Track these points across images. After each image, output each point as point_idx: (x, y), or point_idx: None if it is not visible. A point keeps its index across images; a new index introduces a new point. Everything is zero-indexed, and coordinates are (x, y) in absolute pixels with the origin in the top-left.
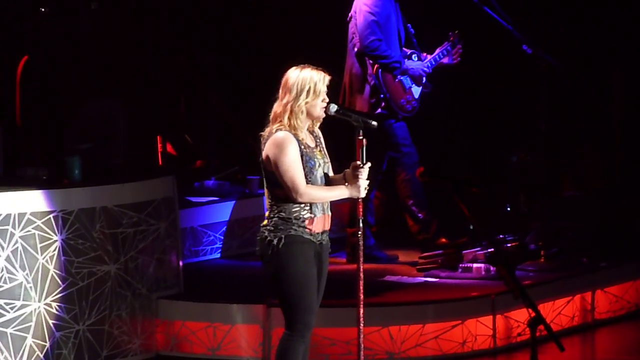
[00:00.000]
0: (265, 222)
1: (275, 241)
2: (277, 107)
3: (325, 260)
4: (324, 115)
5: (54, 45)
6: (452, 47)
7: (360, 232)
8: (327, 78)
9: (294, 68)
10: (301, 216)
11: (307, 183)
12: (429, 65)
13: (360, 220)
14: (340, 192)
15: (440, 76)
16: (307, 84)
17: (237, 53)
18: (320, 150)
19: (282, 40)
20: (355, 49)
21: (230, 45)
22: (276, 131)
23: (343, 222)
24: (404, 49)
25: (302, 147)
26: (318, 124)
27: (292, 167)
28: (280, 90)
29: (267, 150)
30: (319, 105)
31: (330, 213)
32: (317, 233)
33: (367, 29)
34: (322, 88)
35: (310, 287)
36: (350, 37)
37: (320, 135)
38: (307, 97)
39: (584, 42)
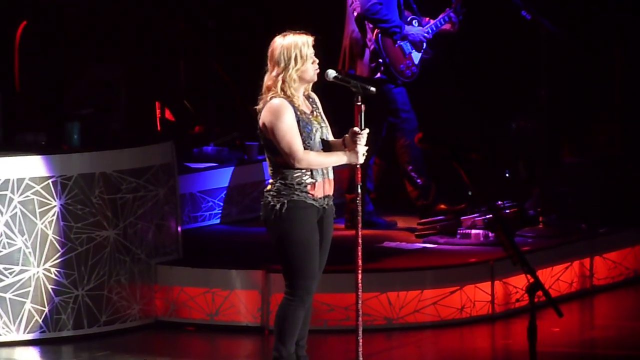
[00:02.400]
0: (269, 187)
1: (278, 206)
2: (267, 80)
3: (329, 226)
4: (316, 78)
5: (53, 10)
6: (455, 13)
7: (359, 198)
8: (311, 39)
9: (276, 38)
10: (303, 181)
11: (305, 149)
12: (430, 31)
13: (359, 187)
14: (339, 158)
15: (440, 42)
16: (292, 52)
17: (237, 18)
18: (317, 116)
19: (282, 4)
20: (355, 14)
21: (230, 10)
22: (271, 99)
23: (342, 188)
24: (405, 14)
25: (298, 113)
26: (310, 86)
27: (289, 133)
28: (268, 63)
29: (263, 118)
30: (311, 69)
31: (332, 177)
32: (320, 198)
33: None
34: (309, 51)
35: (313, 252)
36: (350, 2)
37: (317, 100)
38: (295, 64)
39: (584, 7)
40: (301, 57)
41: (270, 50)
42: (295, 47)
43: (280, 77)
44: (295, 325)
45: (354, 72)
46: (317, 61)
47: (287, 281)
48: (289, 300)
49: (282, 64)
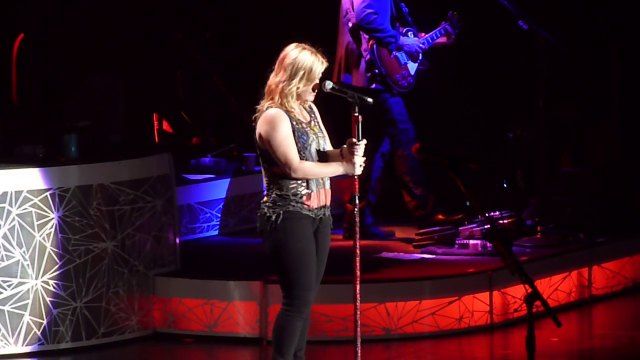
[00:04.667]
0: (265, 198)
1: (273, 217)
2: (270, 81)
3: (326, 236)
4: (311, 99)
5: (50, 23)
6: (451, 27)
7: (356, 209)
8: (324, 66)
9: (294, 45)
10: (299, 192)
11: (301, 159)
12: (425, 42)
13: (357, 197)
14: (335, 169)
15: (438, 52)
16: (301, 69)
17: (234, 30)
18: (315, 125)
19: (278, 16)
20: (350, 24)
21: (227, 22)
22: (267, 109)
23: (340, 199)
24: (398, 27)
25: (294, 122)
26: (307, 104)
27: (284, 143)
28: (277, 64)
29: (259, 128)
30: (309, 91)
31: (328, 187)
32: (316, 208)
33: (363, 3)
34: (317, 74)
35: (309, 263)
36: (344, 13)
37: (315, 110)
38: (299, 82)
39: (581, 17)
40: (308, 78)
41: (283, 54)
42: (306, 65)
43: (280, 86)
44: (293, 336)
45: (350, 79)
46: (318, 86)
47: (285, 292)
48: (286, 311)
49: (287, 74)
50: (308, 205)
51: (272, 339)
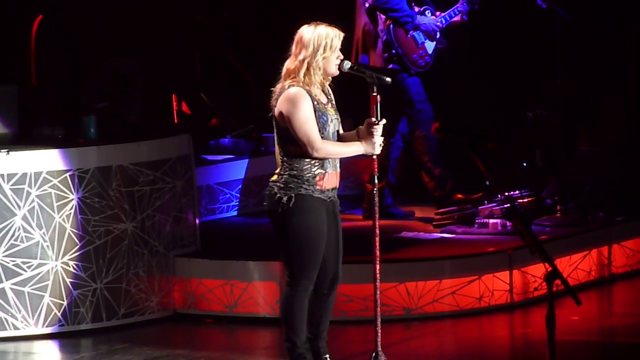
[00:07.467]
0: (275, 177)
1: (285, 199)
2: (290, 64)
3: (337, 217)
4: (337, 72)
5: (68, 4)
6: (469, 4)
7: (375, 189)
8: (342, 35)
9: (307, 25)
10: (312, 172)
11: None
12: (443, 21)
13: (376, 177)
14: (356, 148)
15: (456, 31)
16: (323, 40)
17: (252, 10)
18: (332, 107)
19: None
20: (367, 5)
21: (245, 2)
22: (289, 87)
23: (359, 179)
24: (414, 6)
25: (315, 102)
26: (328, 82)
27: (307, 122)
28: (294, 47)
29: (280, 106)
30: (334, 62)
31: (339, 170)
32: (327, 189)
33: None
34: (337, 44)
35: (320, 243)
36: None
37: (331, 92)
38: (324, 52)
39: None
40: (330, 47)
41: (298, 35)
42: (327, 36)
43: (306, 62)
44: (304, 313)
45: (367, 60)
46: (342, 57)
47: (290, 271)
48: (294, 291)
49: (311, 49)
50: (320, 187)
51: (282, 319)
